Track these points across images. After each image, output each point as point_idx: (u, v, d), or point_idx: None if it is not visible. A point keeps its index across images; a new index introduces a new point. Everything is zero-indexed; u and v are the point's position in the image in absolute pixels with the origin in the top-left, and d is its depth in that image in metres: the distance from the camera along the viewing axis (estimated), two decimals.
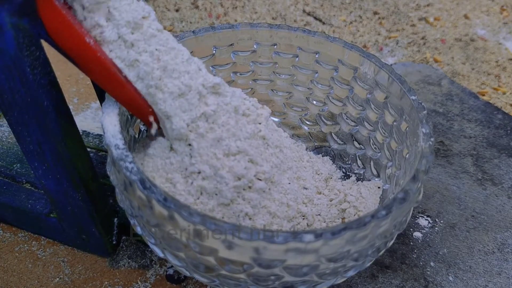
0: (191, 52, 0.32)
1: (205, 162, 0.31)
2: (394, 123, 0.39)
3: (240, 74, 0.45)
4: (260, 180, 0.33)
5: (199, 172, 0.31)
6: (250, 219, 0.33)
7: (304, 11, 0.89)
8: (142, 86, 0.29)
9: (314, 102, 0.46)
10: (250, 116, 0.34)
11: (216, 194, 0.32)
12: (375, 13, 0.89)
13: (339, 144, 0.46)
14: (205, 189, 0.32)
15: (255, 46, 0.43)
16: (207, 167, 0.31)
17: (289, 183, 0.37)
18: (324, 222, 0.39)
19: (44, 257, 0.42)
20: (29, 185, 0.44)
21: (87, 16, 0.28)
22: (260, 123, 0.34)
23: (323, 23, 0.86)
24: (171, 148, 0.32)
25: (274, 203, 0.35)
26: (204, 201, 0.32)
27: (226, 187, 0.31)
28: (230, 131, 0.32)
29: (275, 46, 0.43)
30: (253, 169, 0.33)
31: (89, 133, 0.50)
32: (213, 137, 0.31)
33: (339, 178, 0.44)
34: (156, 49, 0.30)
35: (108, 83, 0.29)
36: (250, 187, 0.33)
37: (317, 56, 0.43)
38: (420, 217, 0.46)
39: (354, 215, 0.39)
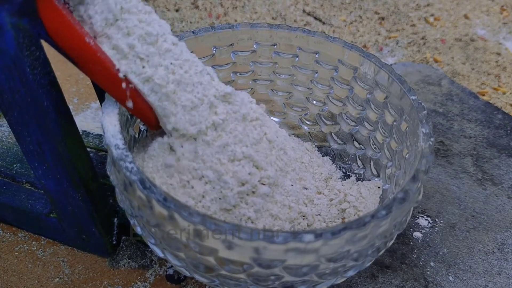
0: (191, 52, 0.32)
1: (209, 167, 0.31)
2: (394, 123, 0.39)
3: (240, 74, 0.45)
4: (264, 185, 0.33)
5: (202, 176, 0.31)
6: (252, 222, 0.33)
7: (304, 11, 0.89)
8: (155, 98, 0.29)
9: (314, 102, 0.46)
10: (257, 120, 0.34)
11: (220, 199, 0.32)
12: (375, 13, 0.89)
13: (339, 144, 0.46)
14: (208, 194, 0.31)
15: (255, 46, 0.43)
16: (210, 172, 0.31)
17: (292, 185, 0.37)
18: (324, 222, 0.39)
19: (44, 257, 0.42)
20: (29, 185, 0.44)
21: (99, 33, 0.28)
22: (263, 126, 0.34)
23: (323, 23, 0.86)
24: (172, 149, 0.32)
25: (276, 205, 0.35)
26: (206, 205, 0.32)
27: (231, 192, 0.31)
28: (237, 137, 0.32)
29: (275, 46, 0.43)
30: (257, 175, 0.33)
31: (89, 133, 0.50)
32: (219, 144, 0.31)
33: (339, 178, 0.44)
34: (171, 63, 0.30)
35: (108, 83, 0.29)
36: (253, 192, 0.33)
37: (317, 56, 0.43)
38: (420, 217, 0.46)
39: (354, 215, 0.39)
